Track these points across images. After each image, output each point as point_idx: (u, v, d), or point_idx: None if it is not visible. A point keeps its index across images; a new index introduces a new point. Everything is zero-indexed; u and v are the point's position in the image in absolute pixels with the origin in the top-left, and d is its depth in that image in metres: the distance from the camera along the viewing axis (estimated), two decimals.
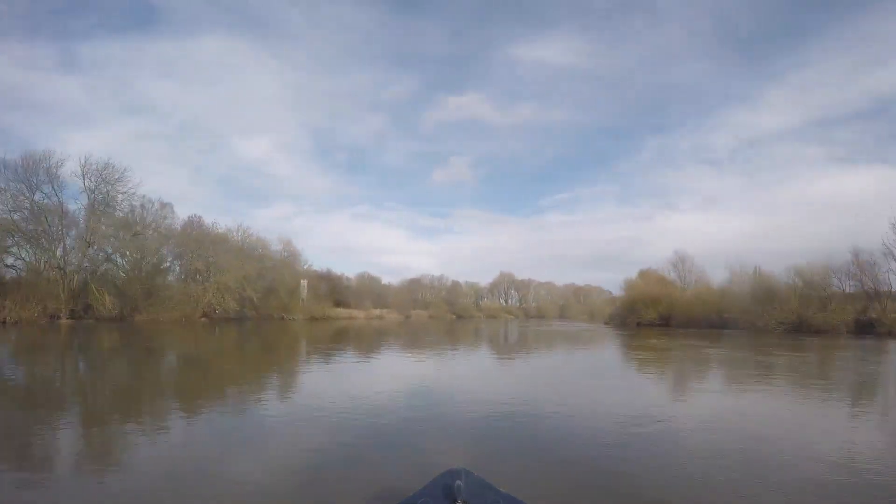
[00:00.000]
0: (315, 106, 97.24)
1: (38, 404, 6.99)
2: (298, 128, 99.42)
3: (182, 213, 42.66)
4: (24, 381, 9.40)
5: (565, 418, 6.37)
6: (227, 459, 4.38)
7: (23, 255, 30.94)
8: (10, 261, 30.49)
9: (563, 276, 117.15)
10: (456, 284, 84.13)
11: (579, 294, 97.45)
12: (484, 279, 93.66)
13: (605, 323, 52.40)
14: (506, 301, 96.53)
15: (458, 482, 2.43)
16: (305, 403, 7.10)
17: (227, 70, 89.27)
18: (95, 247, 32.61)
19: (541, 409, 6.89)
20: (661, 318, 43.89)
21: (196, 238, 38.29)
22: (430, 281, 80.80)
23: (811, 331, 30.96)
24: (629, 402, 7.77)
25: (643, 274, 52.85)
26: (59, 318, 28.18)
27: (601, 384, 9.98)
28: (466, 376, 11.22)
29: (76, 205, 32.56)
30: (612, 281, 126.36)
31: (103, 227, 32.34)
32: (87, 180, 32.31)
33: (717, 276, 46.57)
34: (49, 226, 30.97)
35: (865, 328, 30.86)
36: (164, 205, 37.46)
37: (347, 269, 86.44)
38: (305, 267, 51.73)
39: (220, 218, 65.02)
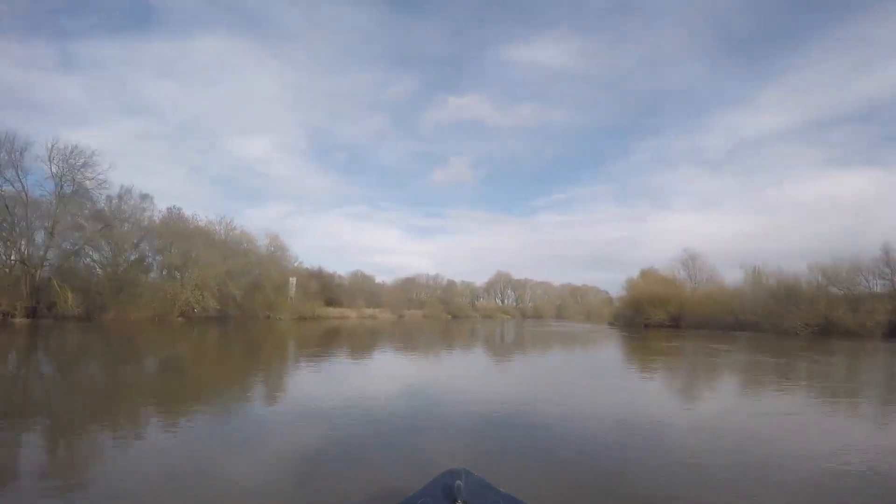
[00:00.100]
0: (314, 106, 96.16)
1: None
2: (298, 128, 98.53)
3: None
4: None
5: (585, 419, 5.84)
6: (225, 460, 4.15)
7: None
8: None
9: (559, 276, 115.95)
10: (451, 284, 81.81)
11: (576, 294, 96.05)
12: (480, 279, 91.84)
13: (610, 324, 49.97)
14: (502, 301, 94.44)
15: (458, 482, 2.37)
16: (300, 404, 6.58)
17: (226, 70, 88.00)
18: (60, 238, 29.66)
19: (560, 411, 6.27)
20: (670, 319, 41.78)
21: (174, 231, 35.30)
22: (426, 280, 78.43)
23: (839, 333, 28.79)
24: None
25: (645, 273, 50.96)
26: (13, 316, 25.16)
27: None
28: (466, 377, 10.75)
29: (42, 191, 29.63)
30: (608, 281, 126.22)
31: (69, 218, 29.37)
32: (53, 166, 29.34)
33: (724, 276, 44.78)
34: (10, 215, 28.04)
35: None
36: (144, 196, 34.63)
37: (343, 268, 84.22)
38: (295, 264, 49.13)
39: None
